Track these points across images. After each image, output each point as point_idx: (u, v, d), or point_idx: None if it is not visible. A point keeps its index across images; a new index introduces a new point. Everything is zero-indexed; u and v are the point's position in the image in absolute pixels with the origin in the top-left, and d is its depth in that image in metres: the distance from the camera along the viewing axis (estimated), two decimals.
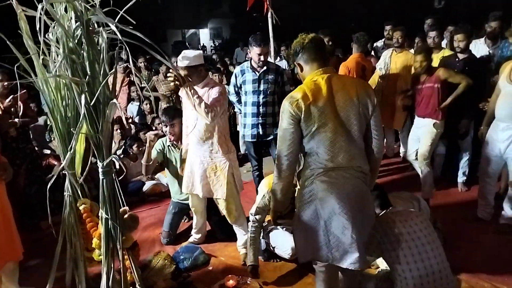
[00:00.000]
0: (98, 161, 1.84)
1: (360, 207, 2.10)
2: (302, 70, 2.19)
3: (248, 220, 3.32)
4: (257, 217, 3.10)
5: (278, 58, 6.55)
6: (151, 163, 3.79)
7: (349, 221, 2.05)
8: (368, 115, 2.11)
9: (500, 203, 3.62)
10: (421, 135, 4.02)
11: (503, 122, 3.35)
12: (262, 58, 3.90)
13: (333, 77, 2.11)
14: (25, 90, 4.08)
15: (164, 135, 3.94)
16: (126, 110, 6.29)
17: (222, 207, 3.37)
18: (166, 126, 3.73)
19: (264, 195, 3.10)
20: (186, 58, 3.05)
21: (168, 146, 3.85)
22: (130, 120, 6.15)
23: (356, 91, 2.08)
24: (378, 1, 13.44)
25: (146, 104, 6.10)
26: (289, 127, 2.06)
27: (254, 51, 3.91)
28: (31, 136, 4.52)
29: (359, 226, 2.08)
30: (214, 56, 8.44)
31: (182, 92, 3.07)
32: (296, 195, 2.30)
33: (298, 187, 2.27)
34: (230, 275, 3.09)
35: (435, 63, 4.14)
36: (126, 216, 2.09)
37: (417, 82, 4.05)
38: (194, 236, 3.71)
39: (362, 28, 5.29)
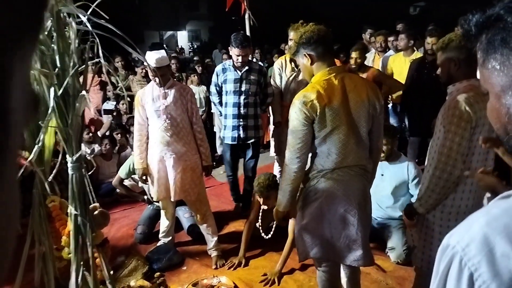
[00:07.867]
0: (67, 156, 1.80)
1: (363, 204, 2.11)
2: (312, 63, 2.05)
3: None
4: None
5: (254, 60, 6.56)
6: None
7: (354, 218, 2.06)
8: (376, 116, 2.10)
9: None
10: None
11: None
12: (240, 59, 3.71)
13: (345, 77, 2.06)
14: None
15: None
16: (99, 111, 6.19)
17: (193, 208, 3.36)
18: None
19: None
20: (162, 57, 3.04)
21: None
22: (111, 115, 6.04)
23: (366, 91, 2.05)
24: (356, 7, 13.67)
25: (123, 104, 6.01)
26: (302, 129, 1.98)
27: (233, 52, 3.73)
28: None
29: (364, 223, 2.10)
30: (195, 58, 8.46)
31: (145, 98, 3.09)
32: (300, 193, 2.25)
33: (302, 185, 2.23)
34: (204, 275, 3.08)
35: (406, 65, 4.21)
36: (96, 212, 2.05)
37: None
38: (163, 241, 3.49)
39: (339, 32, 5.38)
